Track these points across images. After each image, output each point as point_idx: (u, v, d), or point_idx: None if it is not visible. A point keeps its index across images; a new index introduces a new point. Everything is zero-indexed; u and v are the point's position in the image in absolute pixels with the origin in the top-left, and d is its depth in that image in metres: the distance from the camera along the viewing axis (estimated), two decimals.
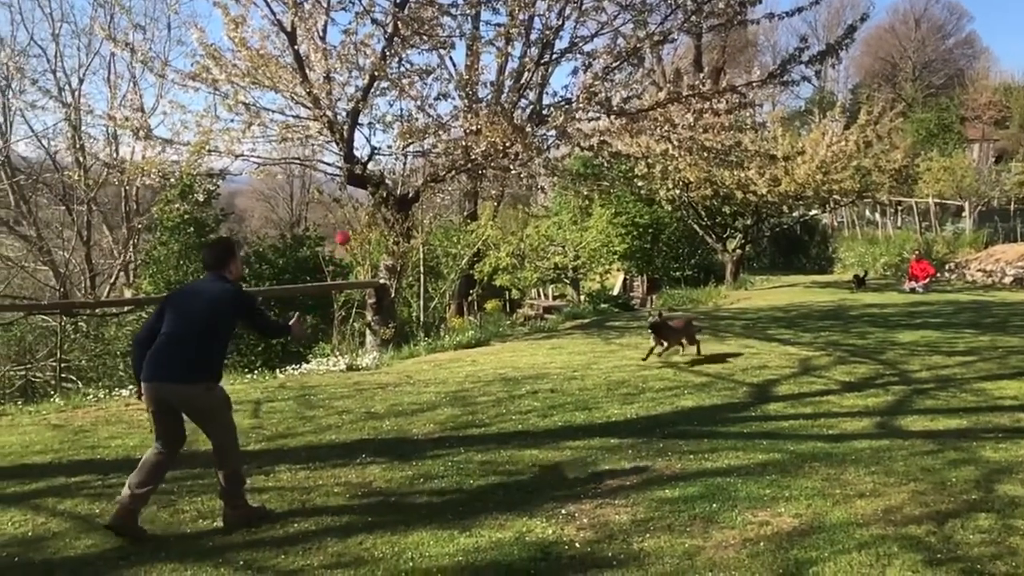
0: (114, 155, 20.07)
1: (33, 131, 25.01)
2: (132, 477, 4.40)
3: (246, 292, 4.70)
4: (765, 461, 5.34)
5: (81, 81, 25.90)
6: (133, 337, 5.05)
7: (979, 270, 21.41)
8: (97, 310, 15.40)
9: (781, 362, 9.35)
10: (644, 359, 9.43)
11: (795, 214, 26.70)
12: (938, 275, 19.38)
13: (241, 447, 6.20)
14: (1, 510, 4.77)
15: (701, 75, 14.20)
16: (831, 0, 53.71)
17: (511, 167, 11.54)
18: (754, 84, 11.09)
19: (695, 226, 25.45)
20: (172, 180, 14.34)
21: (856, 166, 21.90)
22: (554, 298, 27.64)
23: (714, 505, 4.54)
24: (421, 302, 16.54)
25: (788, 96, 48.24)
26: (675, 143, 11.81)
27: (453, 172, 12.16)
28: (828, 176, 21.10)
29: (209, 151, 11.36)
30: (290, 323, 4.84)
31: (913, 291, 18.48)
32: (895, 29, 57.46)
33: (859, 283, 19.94)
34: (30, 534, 4.50)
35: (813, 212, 28.46)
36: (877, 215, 32.69)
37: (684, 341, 9.67)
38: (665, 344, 9.53)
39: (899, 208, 31.30)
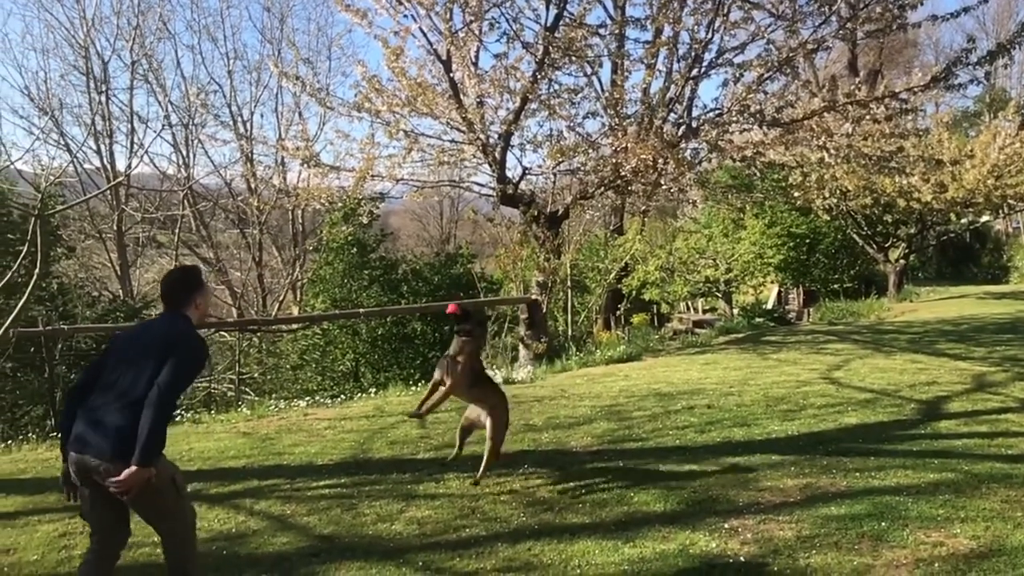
0: (283, 181, 21.59)
1: (213, 163, 27.31)
2: None
3: (203, 348, 3.61)
4: (937, 480, 5.17)
5: (252, 113, 28.08)
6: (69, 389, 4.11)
7: None
8: (271, 327, 16.57)
9: (952, 378, 8.91)
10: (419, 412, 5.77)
11: (964, 221, 25.31)
12: None
13: (412, 455, 6.63)
14: (207, 508, 5.30)
15: (856, 79, 13.70)
16: None
17: (661, 182, 11.57)
18: (915, 89, 10.62)
19: (854, 236, 24.55)
20: (338, 204, 15.26)
21: None
22: (704, 312, 27.23)
23: (883, 523, 4.45)
24: (568, 316, 16.77)
25: (954, 96, 45.49)
26: (831, 151, 11.48)
27: (602, 189, 12.32)
28: (1000, 180, 19.93)
29: (372, 176, 12.04)
30: (156, 468, 3.30)
31: None
32: None
33: None
34: (233, 531, 4.98)
35: (984, 219, 26.82)
36: None
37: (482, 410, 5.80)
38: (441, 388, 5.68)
39: None
